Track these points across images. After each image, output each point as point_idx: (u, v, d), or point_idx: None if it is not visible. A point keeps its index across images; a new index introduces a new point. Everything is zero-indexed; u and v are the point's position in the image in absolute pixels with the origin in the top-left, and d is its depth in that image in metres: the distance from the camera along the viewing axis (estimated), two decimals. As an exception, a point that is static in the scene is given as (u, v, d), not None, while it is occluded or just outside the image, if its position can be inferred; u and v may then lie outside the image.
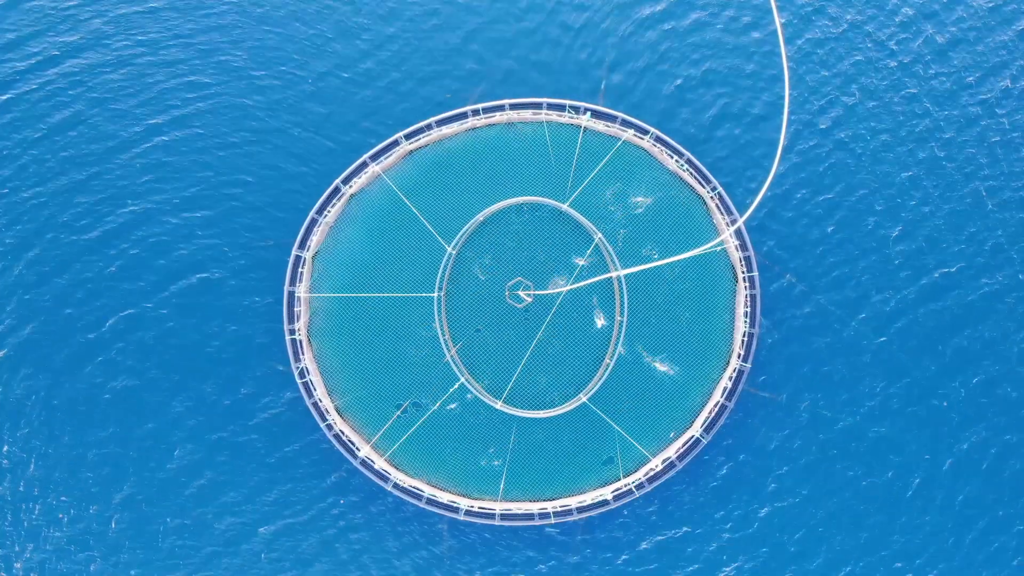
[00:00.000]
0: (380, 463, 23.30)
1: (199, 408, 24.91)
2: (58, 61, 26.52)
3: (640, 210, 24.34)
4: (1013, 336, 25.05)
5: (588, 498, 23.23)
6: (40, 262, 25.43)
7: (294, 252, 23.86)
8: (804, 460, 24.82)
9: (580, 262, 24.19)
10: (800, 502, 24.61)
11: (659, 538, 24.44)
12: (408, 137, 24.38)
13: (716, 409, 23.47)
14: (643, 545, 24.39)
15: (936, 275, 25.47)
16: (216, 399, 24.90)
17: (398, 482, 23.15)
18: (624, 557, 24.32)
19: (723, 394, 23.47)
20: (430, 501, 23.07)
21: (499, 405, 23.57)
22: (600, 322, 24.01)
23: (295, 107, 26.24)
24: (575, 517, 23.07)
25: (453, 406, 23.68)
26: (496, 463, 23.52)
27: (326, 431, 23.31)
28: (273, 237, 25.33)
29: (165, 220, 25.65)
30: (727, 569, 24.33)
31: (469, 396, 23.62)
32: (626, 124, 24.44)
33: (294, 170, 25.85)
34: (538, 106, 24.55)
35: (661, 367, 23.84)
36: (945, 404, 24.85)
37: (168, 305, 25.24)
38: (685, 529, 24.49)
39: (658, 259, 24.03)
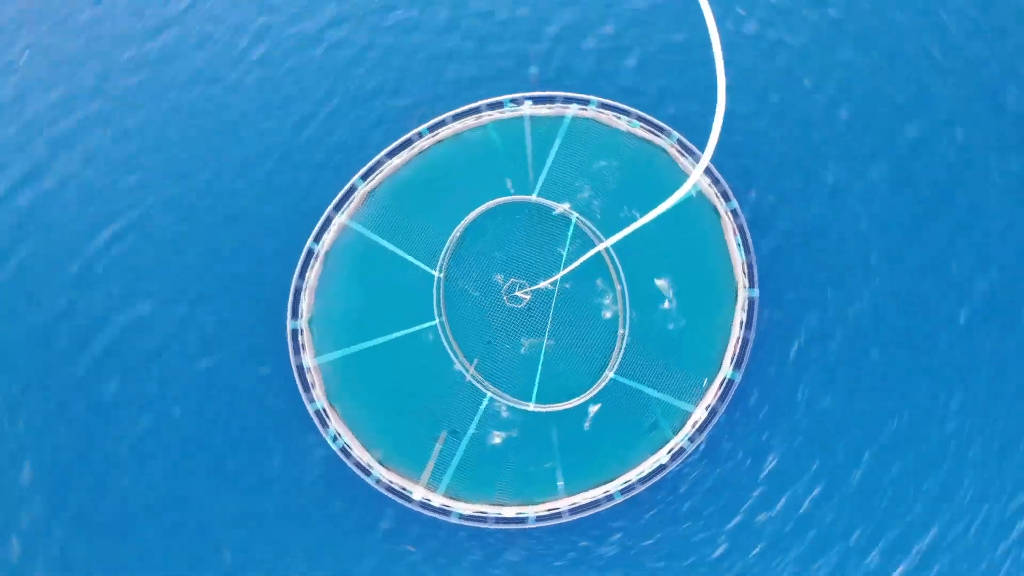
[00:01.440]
0: (438, 500, 23.24)
1: (237, 495, 24.53)
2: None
3: (607, 179, 24.40)
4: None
5: (646, 468, 23.31)
6: (32, 403, 25.06)
7: (289, 325, 23.72)
8: (823, 359, 24.95)
9: (562, 251, 24.22)
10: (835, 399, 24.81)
11: (721, 474, 24.51)
12: (364, 178, 24.28)
13: (739, 344, 23.60)
14: (707, 486, 24.47)
15: (910, 136, 25.70)
16: (251, 481, 24.53)
17: (461, 511, 23.13)
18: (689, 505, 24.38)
19: (741, 327, 23.60)
20: (497, 520, 23.07)
21: (532, 407, 23.57)
22: (608, 312, 24.08)
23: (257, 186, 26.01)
24: (640, 489, 23.15)
25: (498, 440, 23.70)
26: (547, 464, 23.54)
27: (375, 485, 23.20)
28: (263, 309, 25.04)
29: (148, 321, 25.25)
30: (799, 480, 24.48)
31: (504, 414, 23.63)
32: (568, 100, 24.48)
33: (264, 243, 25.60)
34: (477, 110, 24.52)
35: (674, 324, 23.94)
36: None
37: (176, 405, 24.91)
38: (744, 461, 24.61)
39: (639, 218, 24.05)
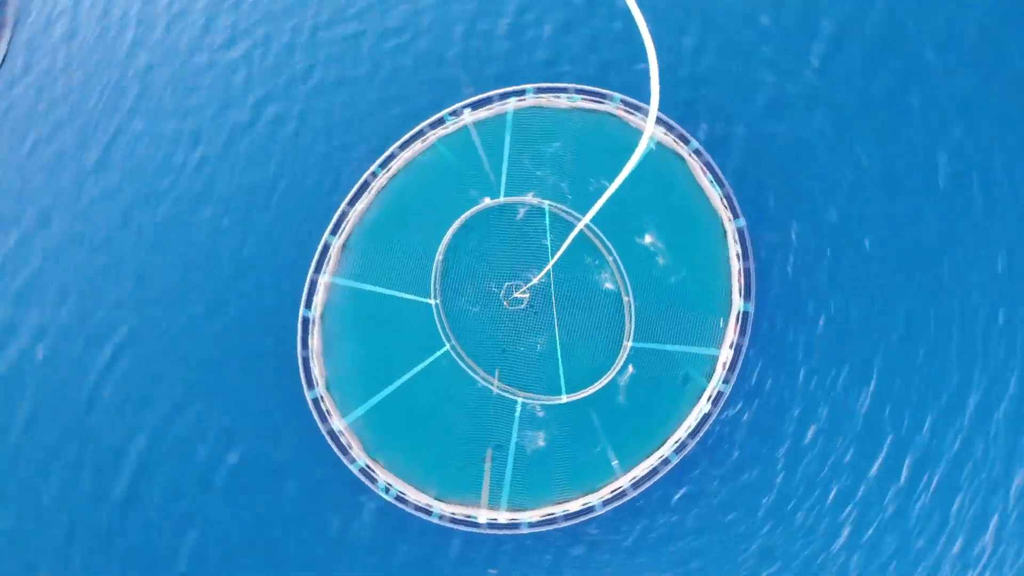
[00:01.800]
0: (504, 516, 23.27)
1: (305, 573, 24.59)
2: None
3: (565, 158, 24.42)
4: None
5: (691, 421, 23.43)
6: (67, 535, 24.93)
7: (308, 396, 23.64)
8: (822, 264, 25.09)
9: (546, 242, 24.22)
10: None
11: (763, 407, 24.66)
12: (334, 232, 24.19)
13: (742, 276, 23.73)
14: (754, 425, 24.63)
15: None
16: (315, 554, 24.46)
17: (528, 520, 23.16)
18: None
19: (739, 260, 23.73)
20: (567, 517, 23.12)
21: (564, 398, 23.61)
22: (609, 284, 24.14)
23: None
24: (692, 444, 23.27)
25: (542, 441, 23.72)
26: (597, 448, 23.60)
27: (439, 522, 23.20)
28: (277, 387, 24.88)
29: (166, 432, 25.13)
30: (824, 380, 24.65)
31: (540, 413, 23.65)
32: (504, 96, 24.46)
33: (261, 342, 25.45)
34: (421, 133, 24.46)
35: (674, 277, 24.03)
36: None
37: (218, 509, 24.80)
38: (781, 388, 24.77)
39: (608, 186, 24.13)
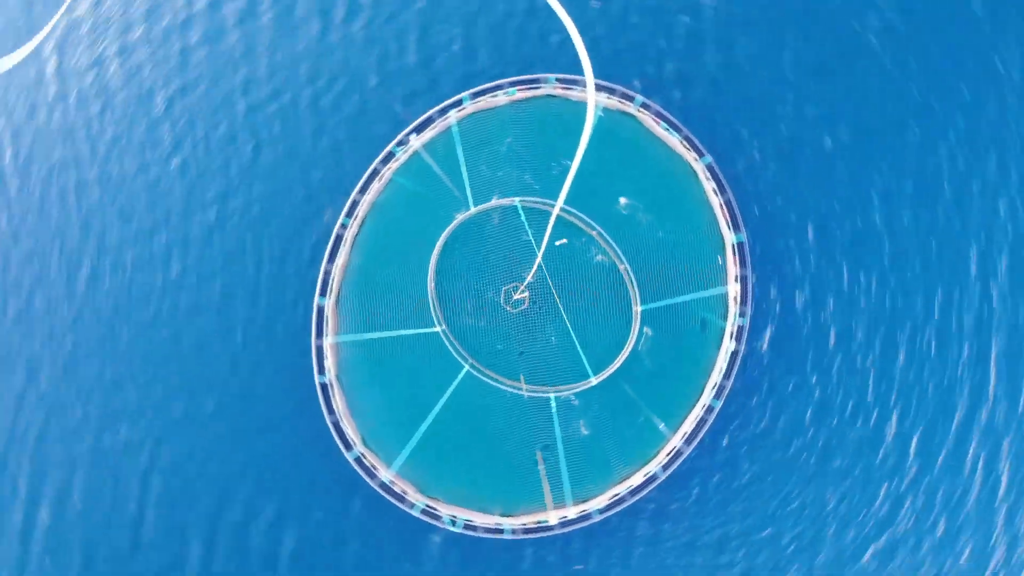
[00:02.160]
0: (573, 511, 23.31)
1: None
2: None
3: (520, 152, 24.40)
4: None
5: (722, 363, 23.51)
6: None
7: (349, 457, 23.60)
8: (788, 175, 25.23)
9: (527, 237, 24.21)
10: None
11: (785, 328, 24.78)
12: (323, 294, 24.15)
13: (725, 209, 23.78)
14: (780, 346, 24.73)
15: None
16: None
17: (598, 508, 23.21)
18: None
19: (717, 195, 23.79)
20: (633, 492, 23.23)
21: (594, 380, 23.64)
22: (601, 256, 24.13)
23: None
24: (728, 385, 23.38)
25: (586, 429, 23.77)
26: (640, 418, 23.67)
27: (513, 536, 23.24)
28: (315, 459, 24.85)
29: (216, 539, 25.11)
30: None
31: (575, 402, 23.69)
32: (442, 112, 24.39)
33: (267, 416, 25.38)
34: (376, 172, 24.39)
35: (661, 231, 24.06)
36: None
37: None
38: (791, 302, 24.87)
39: (570, 165, 24.10)
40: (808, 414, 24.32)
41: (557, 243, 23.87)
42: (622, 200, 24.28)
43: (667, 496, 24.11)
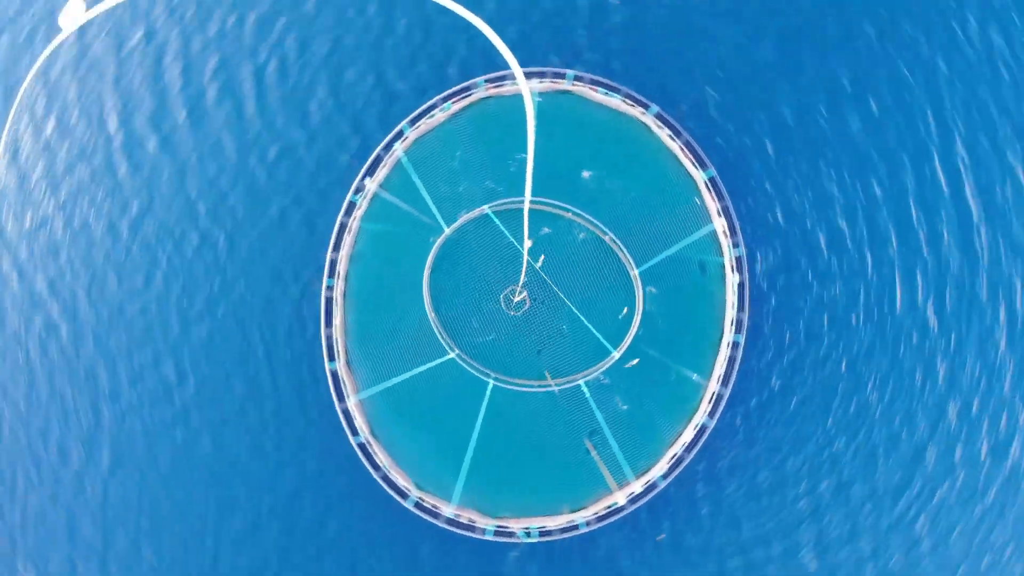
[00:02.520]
0: (639, 485, 23.39)
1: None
2: None
3: (472, 160, 24.36)
4: None
5: (732, 298, 23.65)
6: None
7: (409, 506, 23.53)
8: (733, 97, 25.39)
9: (511, 239, 24.21)
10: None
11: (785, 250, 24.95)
12: (331, 359, 24.02)
13: (686, 150, 23.90)
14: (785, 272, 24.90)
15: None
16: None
17: (661, 475, 23.31)
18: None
19: (673, 139, 23.90)
20: (689, 448, 23.37)
21: (617, 355, 23.68)
22: (583, 234, 24.17)
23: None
24: (746, 318, 23.54)
25: (624, 404, 23.83)
26: (672, 375, 23.78)
27: (590, 528, 23.28)
28: (369, 521, 24.79)
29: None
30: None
31: (604, 380, 23.73)
32: (387, 147, 24.27)
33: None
34: (344, 227, 24.26)
35: (632, 191, 24.14)
36: None
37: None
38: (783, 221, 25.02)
39: (526, 157, 24.05)
40: (824, 320, 24.54)
41: (529, 241, 23.96)
42: (585, 174, 24.30)
43: (722, 442, 24.33)
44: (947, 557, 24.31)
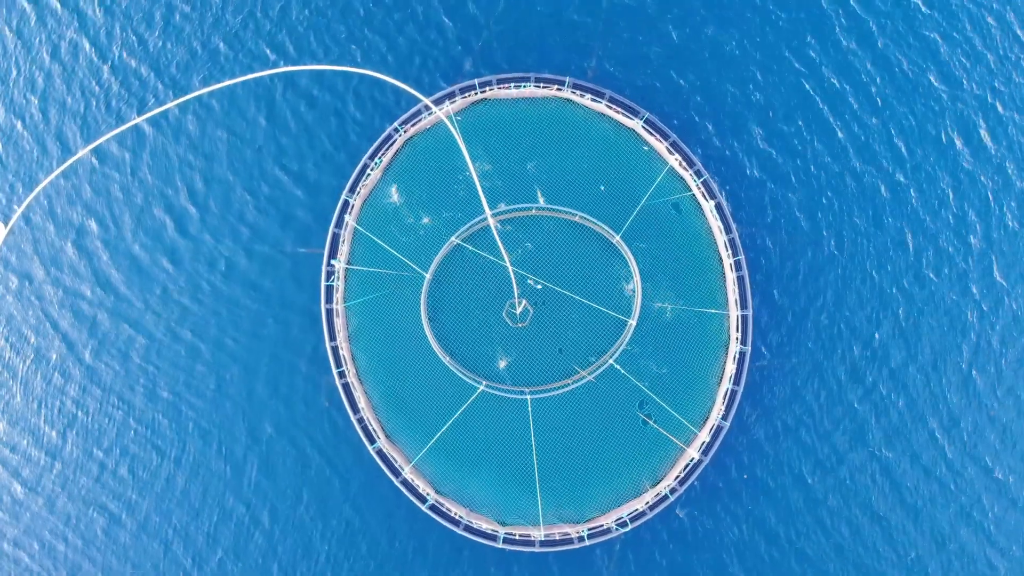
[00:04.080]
0: (704, 435, 23.33)
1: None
2: None
3: (429, 195, 24.34)
4: None
5: (722, 241, 23.67)
6: None
7: (501, 541, 23.42)
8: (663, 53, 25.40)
9: (491, 257, 24.19)
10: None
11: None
12: (371, 440, 23.90)
13: (612, 104, 23.87)
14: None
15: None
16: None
17: (720, 417, 23.25)
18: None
19: (599, 99, 23.99)
20: (736, 378, 23.31)
21: (633, 321, 23.59)
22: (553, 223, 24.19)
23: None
24: (736, 233, 23.52)
25: (662, 369, 23.81)
26: (695, 318, 23.75)
27: (673, 495, 23.20)
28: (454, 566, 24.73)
29: None
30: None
31: (634, 349, 23.66)
32: (344, 209, 24.21)
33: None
34: (330, 297, 24.21)
35: (585, 163, 24.13)
36: None
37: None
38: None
39: (470, 172, 24.02)
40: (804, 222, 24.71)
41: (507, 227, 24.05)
42: (529, 166, 24.28)
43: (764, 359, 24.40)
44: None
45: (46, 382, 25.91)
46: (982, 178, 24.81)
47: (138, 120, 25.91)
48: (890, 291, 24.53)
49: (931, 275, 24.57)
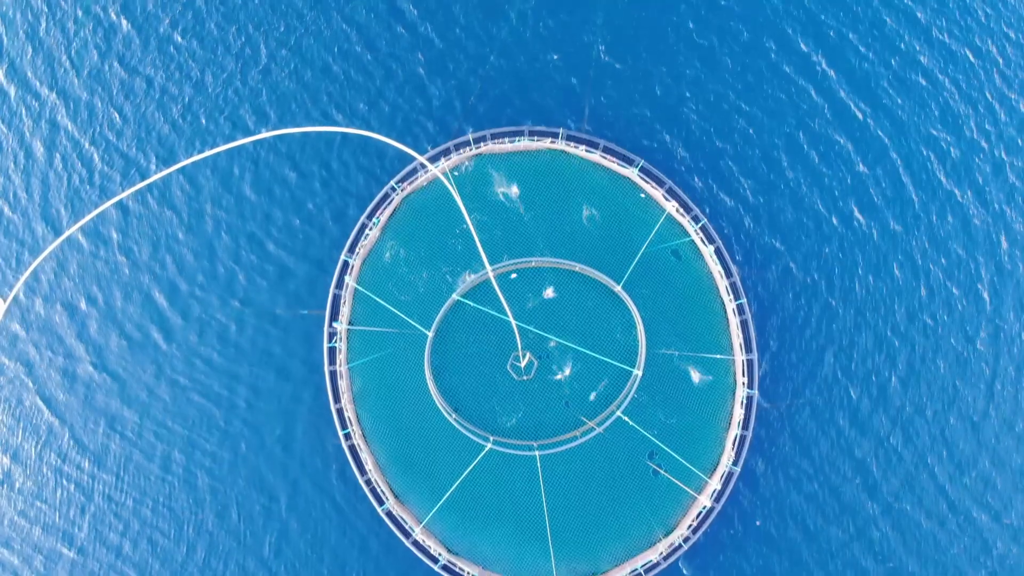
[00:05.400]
0: (716, 481, 23.18)
1: None
2: None
3: (423, 257, 24.34)
4: None
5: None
6: None
7: (515, 603, 23.23)
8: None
9: (493, 312, 24.15)
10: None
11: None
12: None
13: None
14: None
15: None
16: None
17: (732, 463, 23.12)
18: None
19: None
20: (743, 425, 23.21)
21: (639, 371, 23.49)
22: (551, 294, 24.23)
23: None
24: (736, 276, 23.48)
25: (670, 420, 23.79)
26: (700, 363, 23.66)
27: (686, 544, 23.00)
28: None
29: None
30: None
31: (639, 398, 23.60)
32: (343, 271, 24.19)
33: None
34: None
35: (586, 213, 24.22)
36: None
37: None
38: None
39: (469, 227, 24.02)
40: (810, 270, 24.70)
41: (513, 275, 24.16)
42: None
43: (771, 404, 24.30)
44: None
45: (50, 468, 25.82)
46: (977, 221, 24.95)
47: (123, 195, 25.84)
48: (890, 336, 24.59)
49: (928, 320, 24.59)
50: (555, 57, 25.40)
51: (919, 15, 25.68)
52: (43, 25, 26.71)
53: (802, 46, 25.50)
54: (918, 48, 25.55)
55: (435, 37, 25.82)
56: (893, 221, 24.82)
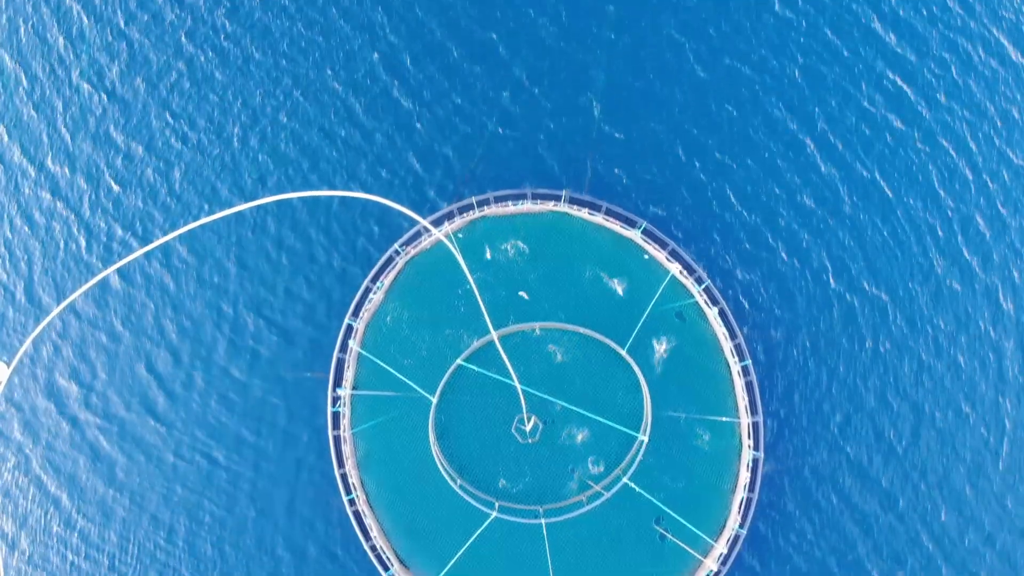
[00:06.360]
0: (722, 545, 23.10)
1: None
2: None
3: (427, 321, 24.32)
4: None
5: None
6: None
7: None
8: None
9: (497, 375, 24.16)
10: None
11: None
12: (387, 569, 23.64)
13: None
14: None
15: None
16: None
17: (739, 526, 23.08)
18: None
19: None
20: (750, 488, 23.20)
21: (644, 437, 23.48)
22: (559, 355, 24.28)
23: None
24: (741, 337, 23.53)
25: (678, 484, 23.74)
26: (705, 426, 23.66)
27: (699, 606, 23.00)
28: None
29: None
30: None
31: (645, 461, 23.59)
32: (347, 335, 24.19)
33: None
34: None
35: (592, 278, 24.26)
36: None
37: None
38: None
39: (468, 289, 24.03)
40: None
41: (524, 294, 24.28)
42: (522, 294, 24.48)
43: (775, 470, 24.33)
44: None
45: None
46: (978, 285, 25.05)
47: (107, 272, 25.82)
48: (892, 399, 24.63)
49: (932, 382, 24.58)
50: (556, 122, 25.55)
51: (914, 87, 25.78)
52: (38, 92, 26.78)
53: (805, 108, 25.57)
54: (922, 111, 25.55)
55: (434, 103, 25.82)
56: (899, 285, 24.88)
